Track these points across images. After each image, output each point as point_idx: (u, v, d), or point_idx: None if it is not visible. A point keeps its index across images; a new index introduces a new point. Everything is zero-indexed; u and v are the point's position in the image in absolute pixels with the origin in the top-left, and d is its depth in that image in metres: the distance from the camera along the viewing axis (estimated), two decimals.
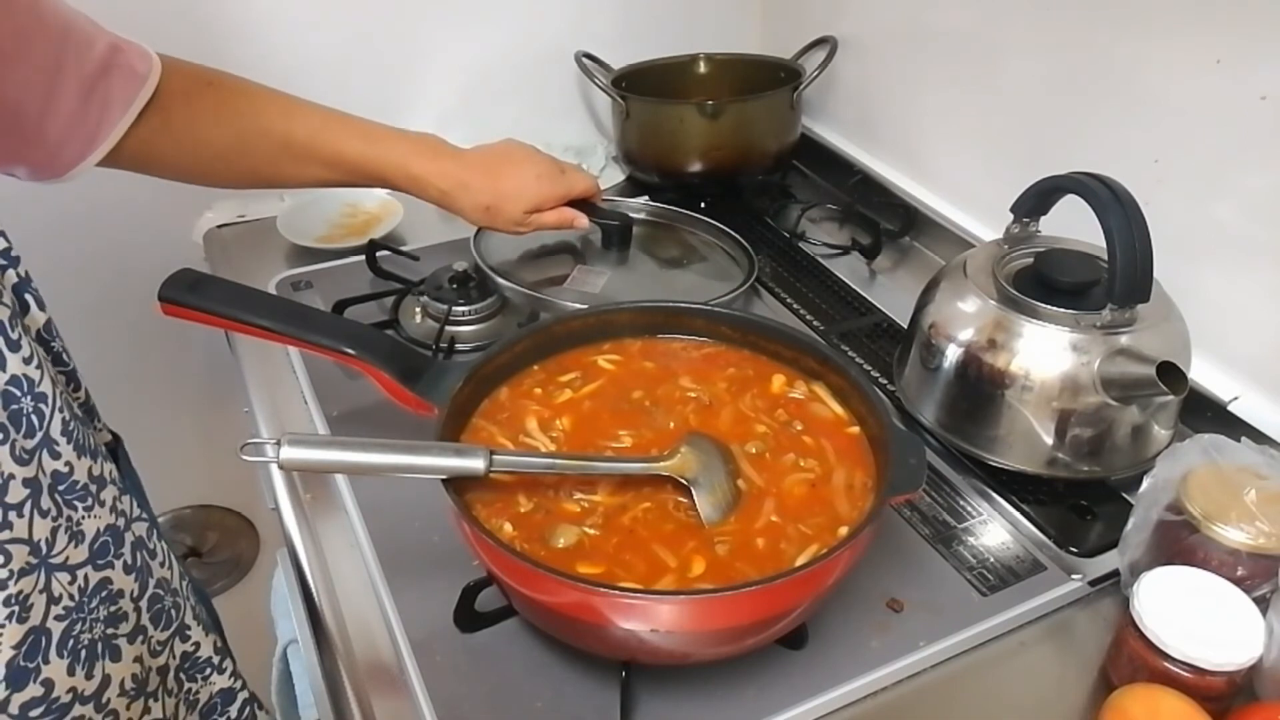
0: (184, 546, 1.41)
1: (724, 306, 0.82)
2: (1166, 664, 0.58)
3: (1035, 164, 0.81)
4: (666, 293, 0.98)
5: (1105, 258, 0.70)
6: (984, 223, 1.07)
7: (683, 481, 0.61)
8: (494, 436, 0.67)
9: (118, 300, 1.14)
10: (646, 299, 0.79)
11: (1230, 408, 0.81)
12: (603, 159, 1.30)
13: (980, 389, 0.75)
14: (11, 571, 0.50)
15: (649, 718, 0.60)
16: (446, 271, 0.96)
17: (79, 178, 0.72)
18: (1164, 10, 0.83)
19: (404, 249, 1.07)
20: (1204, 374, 0.82)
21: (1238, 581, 0.61)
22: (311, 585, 0.71)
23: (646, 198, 1.14)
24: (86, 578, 0.56)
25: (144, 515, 0.64)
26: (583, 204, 0.93)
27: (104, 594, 0.58)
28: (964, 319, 0.77)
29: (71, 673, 0.55)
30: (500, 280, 0.94)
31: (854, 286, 1.04)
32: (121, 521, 0.60)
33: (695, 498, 0.61)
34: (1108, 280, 0.70)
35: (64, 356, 0.61)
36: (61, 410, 0.54)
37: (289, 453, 0.55)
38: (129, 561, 0.60)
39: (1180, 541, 0.64)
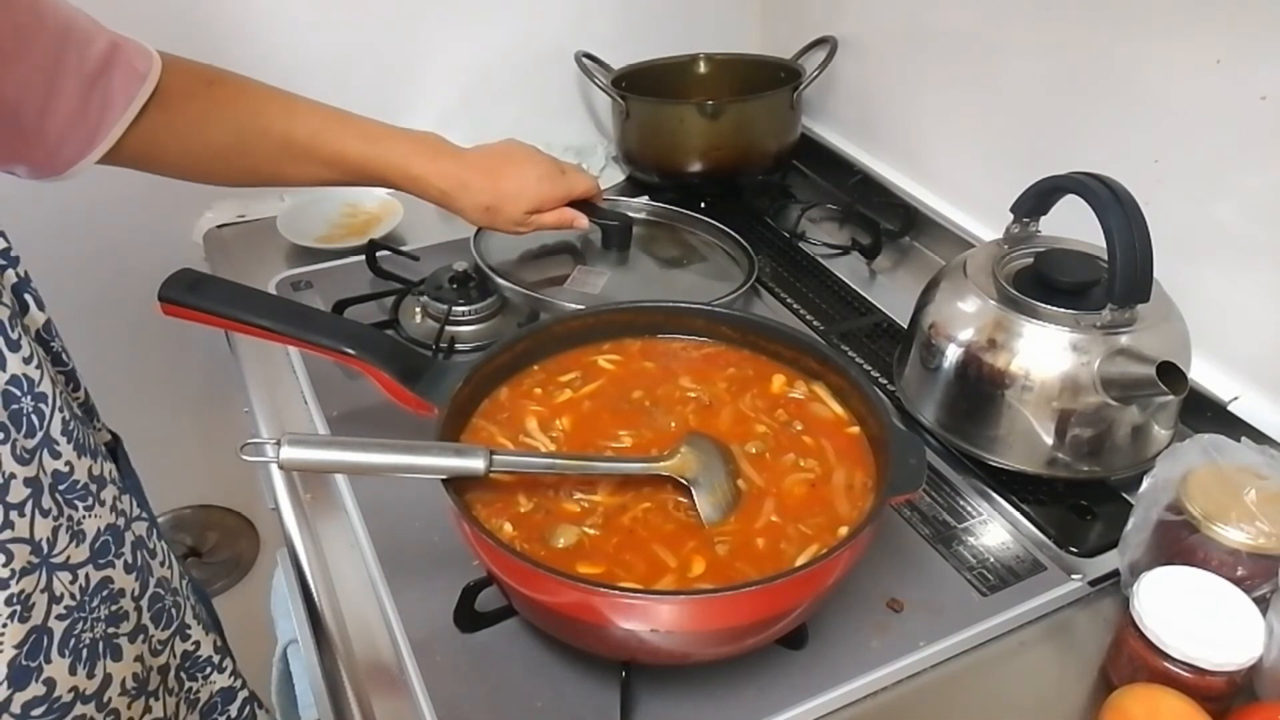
0: (184, 546, 1.41)
1: (724, 307, 0.82)
2: (1166, 664, 0.58)
3: (1035, 164, 0.81)
4: (666, 293, 0.98)
5: (1105, 258, 0.70)
6: (984, 223, 1.07)
7: (683, 481, 0.61)
8: (494, 436, 0.67)
9: (118, 300, 1.14)
10: (646, 299, 0.79)
11: (1230, 408, 0.81)
12: (603, 159, 1.30)
13: (980, 389, 0.75)
14: (13, 571, 0.50)
15: (649, 718, 0.60)
16: (446, 271, 0.96)
17: (79, 176, 0.72)
18: (1164, 10, 0.83)
19: (404, 249, 1.07)
20: (1204, 374, 0.82)
21: (1238, 581, 0.61)
22: (311, 585, 0.71)
23: (646, 198, 1.14)
24: (88, 577, 0.56)
25: (144, 515, 0.64)
26: (583, 204, 0.93)
27: (105, 593, 0.58)
28: (964, 319, 0.77)
29: (73, 672, 0.55)
30: (500, 280, 0.94)
31: (854, 286, 1.04)
32: (121, 521, 0.60)
33: (695, 498, 0.61)
34: (1108, 280, 0.70)
35: (63, 356, 0.61)
36: (61, 410, 0.54)
37: (289, 453, 0.55)
38: (129, 561, 0.60)
39: (1180, 541, 0.64)
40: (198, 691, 0.71)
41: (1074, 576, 0.70)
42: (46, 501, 0.52)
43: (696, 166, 1.17)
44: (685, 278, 1.02)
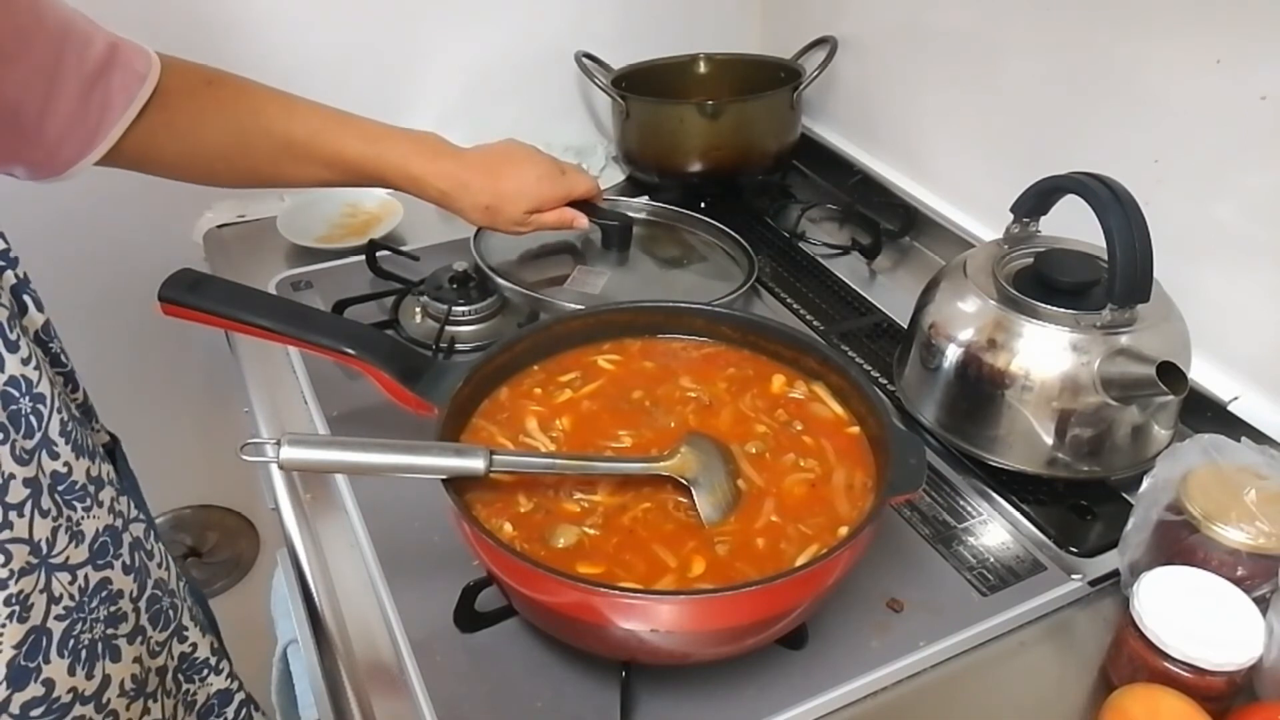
0: (184, 546, 1.41)
1: (724, 307, 0.82)
2: (1166, 664, 0.58)
3: (1035, 164, 0.81)
4: (666, 293, 0.98)
5: (1105, 258, 0.70)
6: (984, 223, 1.07)
7: (683, 481, 0.61)
8: (494, 436, 0.67)
9: (118, 300, 1.14)
10: (646, 299, 0.79)
11: (1230, 408, 0.81)
12: (603, 159, 1.30)
13: (980, 389, 0.75)
14: (12, 571, 0.50)
15: (649, 718, 0.60)
16: (446, 271, 0.96)
17: (78, 176, 0.72)
18: (1164, 10, 0.83)
19: (404, 249, 1.07)
20: (1204, 374, 0.82)
21: (1238, 581, 0.61)
22: (311, 585, 0.70)
23: (646, 198, 1.14)
24: (87, 578, 0.56)
25: (141, 516, 0.64)
26: (583, 204, 0.93)
27: (104, 594, 0.58)
28: (964, 319, 0.77)
29: (72, 673, 0.55)
30: (500, 280, 0.94)
31: (854, 286, 1.04)
32: (119, 522, 0.60)
33: (695, 498, 0.61)
34: (1108, 280, 0.70)
35: (62, 358, 0.61)
36: (60, 411, 0.54)
37: (289, 453, 0.55)
38: (128, 562, 0.60)
39: (1180, 541, 0.64)
40: (195, 693, 0.71)
41: (1074, 576, 0.70)
42: (46, 502, 0.52)
43: (696, 166, 1.17)
44: (685, 278, 1.02)
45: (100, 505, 0.58)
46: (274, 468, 0.65)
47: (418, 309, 0.96)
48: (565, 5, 1.25)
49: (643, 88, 1.21)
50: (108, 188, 0.82)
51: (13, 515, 0.50)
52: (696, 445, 0.64)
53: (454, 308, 0.93)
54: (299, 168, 0.81)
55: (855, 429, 0.68)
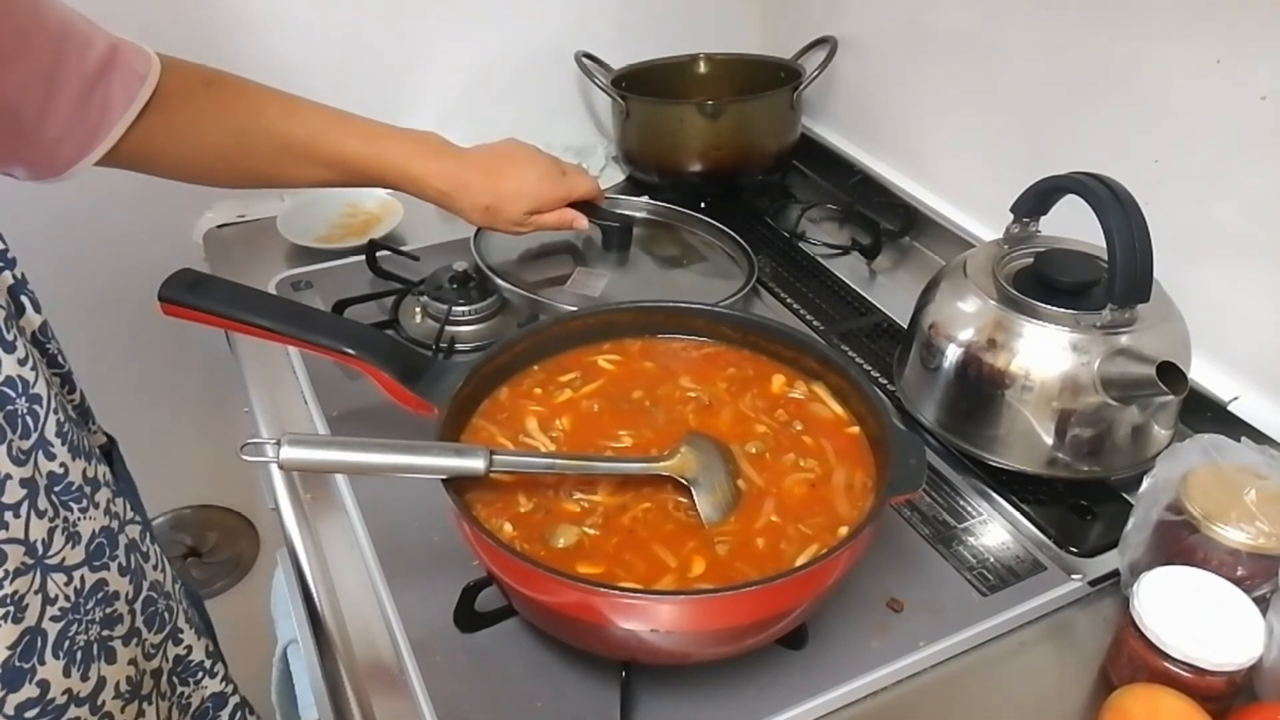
0: (184, 546, 1.41)
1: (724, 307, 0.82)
2: (1166, 664, 0.58)
3: (1035, 164, 0.81)
4: (666, 293, 0.98)
5: (1105, 258, 0.70)
6: (984, 223, 1.07)
7: (683, 481, 0.61)
8: (494, 436, 0.67)
9: (117, 300, 1.14)
10: (646, 299, 0.79)
11: (1230, 408, 0.81)
12: (603, 159, 1.30)
13: (980, 389, 0.75)
14: (7, 571, 0.50)
15: (649, 718, 0.60)
16: (446, 271, 0.96)
17: (77, 177, 0.72)
18: (1164, 10, 0.83)
19: (404, 249, 1.07)
20: (1204, 374, 0.82)
21: (1238, 581, 0.61)
22: (311, 585, 0.70)
23: (646, 198, 1.14)
24: (83, 579, 0.56)
25: (137, 518, 0.64)
26: (583, 205, 0.93)
27: (100, 595, 0.58)
28: (964, 319, 0.77)
29: (67, 674, 0.55)
30: (500, 281, 0.94)
31: (854, 286, 1.04)
32: (115, 524, 0.60)
33: (695, 498, 0.61)
34: (1108, 280, 0.70)
35: (60, 359, 0.61)
36: (56, 412, 0.54)
37: (289, 453, 0.55)
38: (124, 564, 0.60)
39: (1180, 541, 0.64)
40: (189, 696, 0.71)
41: (1074, 576, 0.70)
42: (43, 503, 0.52)
43: (696, 166, 1.17)
44: (685, 278, 1.02)
45: (96, 506, 0.57)
46: (274, 468, 0.65)
47: (418, 309, 0.96)
48: (565, 5, 1.25)
49: (643, 88, 1.21)
50: (107, 188, 0.82)
51: (9, 516, 0.50)
52: (696, 445, 0.64)
53: (454, 308, 0.93)
54: (299, 168, 0.81)
55: (855, 429, 0.68)
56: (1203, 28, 0.80)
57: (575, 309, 0.78)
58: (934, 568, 0.70)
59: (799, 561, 0.58)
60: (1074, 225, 0.76)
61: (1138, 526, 0.67)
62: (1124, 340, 0.71)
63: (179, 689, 0.69)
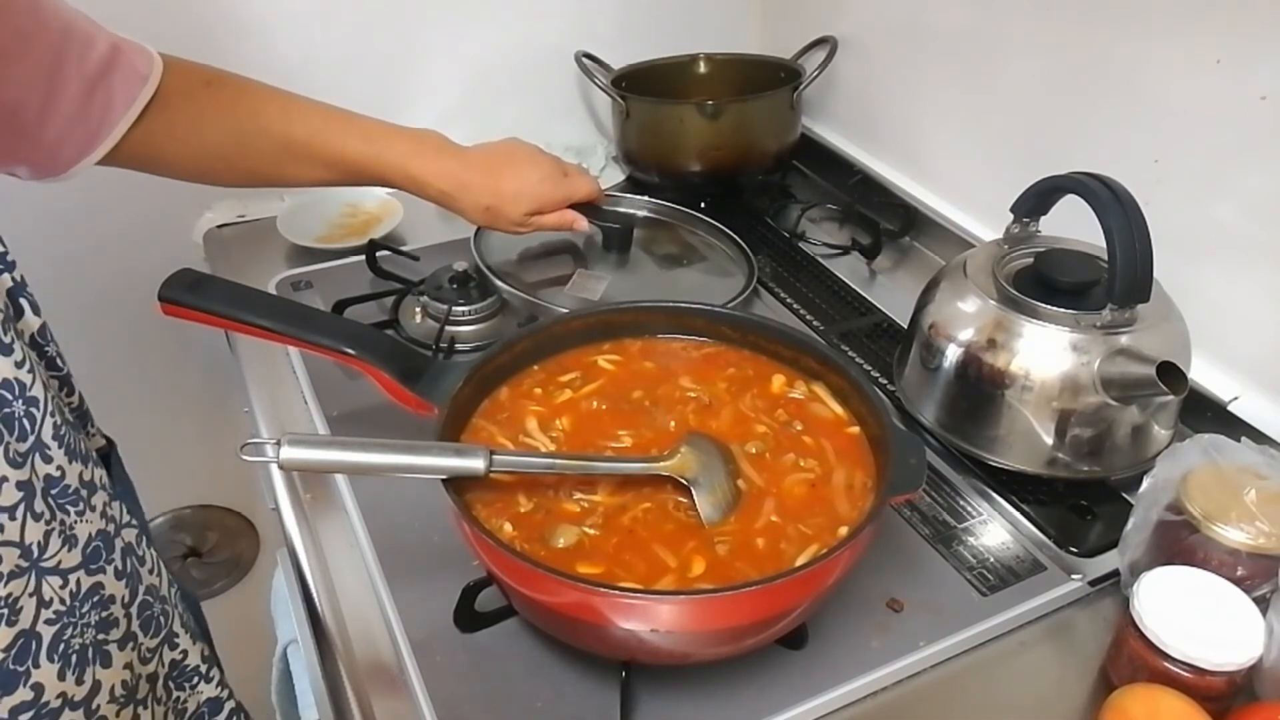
0: (184, 546, 1.41)
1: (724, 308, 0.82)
2: (1166, 664, 0.58)
3: (1035, 164, 0.81)
4: (667, 293, 0.98)
5: (1105, 258, 0.70)
6: (984, 223, 1.07)
7: (683, 481, 0.61)
8: (494, 436, 0.67)
9: (117, 300, 1.14)
10: (646, 299, 0.79)
11: (1230, 408, 0.81)
12: (603, 159, 1.30)
13: (980, 389, 0.75)
14: (1, 574, 0.50)
15: (649, 718, 0.60)
16: (446, 271, 0.96)
17: (78, 176, 0.72)
18: (1164, 10, 0.83)
19: (404, 249, 1.07)
20: (1204, 374, 0.82)
21: (1238, 581, 0.61)
22: (311, 585, 0.70)
23: (646, 198, 1.14)
24: (79, 582, 0.56)
25: (134, 522, 0.64)
26: (584, 206, 0.93)
27: (96, 599, 0.57)
28: (964, 319, 0.77)
29: (62, 677, 0.55)
30: (500, 284, 0.94)
31: (854, 286, 1.04)
32: (111, 527, 0.59)
33: (695, 498, 0.61)
34: (1108, 280, 0.70)
35: (58, 361, 0.61)
36: (53, 415, 0.54)
37: (289, 453, 0.55)
38: (120, 567, 0.60)
39: (1180, 541, 0.64)
40: (185, 701, 0.71)
41: (1074, 576, 0.70)
42: (39, 505, 0.52)
43: (696, 166, 1.17)
44: (685, 278, 1.02)
45: (93, 510, 0.57)
46: (274, 468, 0.65)
47: (418, 309, 0.96)
48: (565, 5, 1.25)
49: (643, 88, 1.21)
50: (108, 188, 0.82)
51: (4, 518, 0.50)
52: (696, 445, 0.64)
53: (454, 308, 0.93)
54: (299, 167, 0.81)
55: (855, 429, 0.68)
56: (1203, 28, 0.80)
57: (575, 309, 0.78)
58: (934, 568, 0.70)
59: (799, 561, 0.58)
60: (1074, 225, 0.76)
61: (1138, 526, 0.67)
62: (1124, 340, 0.71)
63: (174, 694, 0.69)
